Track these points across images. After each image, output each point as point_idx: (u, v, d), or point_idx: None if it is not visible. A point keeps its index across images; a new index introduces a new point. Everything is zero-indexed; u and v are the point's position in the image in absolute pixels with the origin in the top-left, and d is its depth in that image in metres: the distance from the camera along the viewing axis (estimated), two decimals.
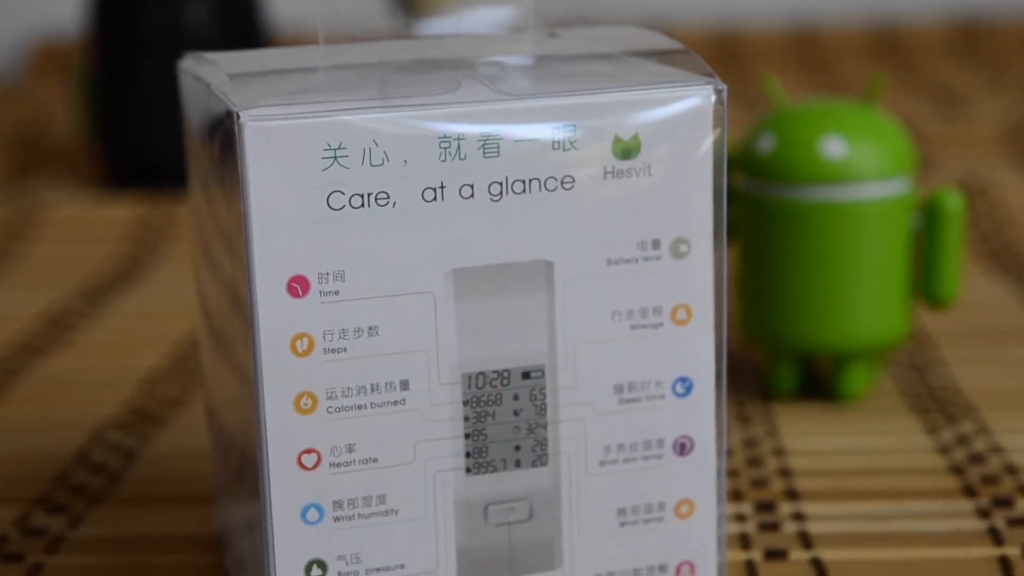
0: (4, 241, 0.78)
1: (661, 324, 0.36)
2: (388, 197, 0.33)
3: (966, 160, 0.88)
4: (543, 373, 0.35)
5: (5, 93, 1.14)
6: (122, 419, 0.54)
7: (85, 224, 0.80)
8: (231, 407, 0.37)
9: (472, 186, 0.34)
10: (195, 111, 0.38)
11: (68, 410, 0.55)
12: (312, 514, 0.34)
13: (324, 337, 0.34)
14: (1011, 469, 0.48)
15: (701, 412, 0.36)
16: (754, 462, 0.49)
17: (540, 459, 0.36)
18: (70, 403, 0.56)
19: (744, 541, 0.43)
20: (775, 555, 0.42)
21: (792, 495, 0.46)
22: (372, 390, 0.34)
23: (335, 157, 0.33)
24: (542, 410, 0.35)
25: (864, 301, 0.52)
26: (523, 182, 0.34)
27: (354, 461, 0.34)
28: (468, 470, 0.35)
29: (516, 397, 0.35)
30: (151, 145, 0.84)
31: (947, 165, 0.87)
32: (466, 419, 0.35)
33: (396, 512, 0.35)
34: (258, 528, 0.35)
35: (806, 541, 0.43)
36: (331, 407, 0.34)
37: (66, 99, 1.12)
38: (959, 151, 0.90)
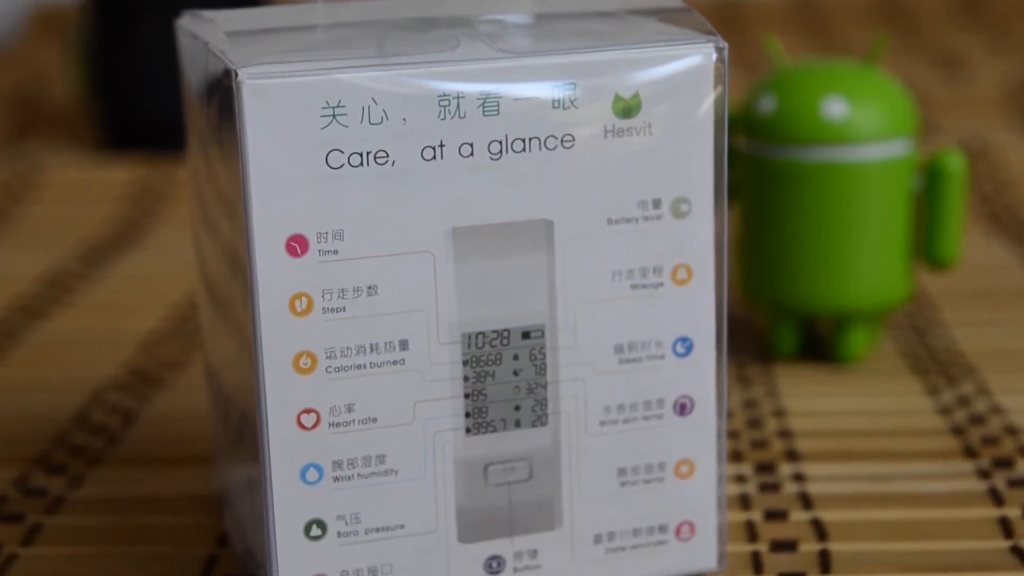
0: (3, 203, 0.78)
1: (661, 284, 0.36)
2: (387, 156, 0.33)
3: (967, 123, 0.88)
4: (543, 333, 0.35)
5: (3, 55, 1.14)
6: (121, 380, 0.54)
7: (84, 186, 0.79)
8: (230, 368, 0.37)
9: (472, 145, 0.34)
10: (193, 70, 0.38)
11: (67, 371, 0.55)
12: (311, 474, 0.34)
13: (323, 296, 0.33)
14: (1011, 430, 0.48)
15: (701, 372, 0.36)
16: (754, 423, 0.49)
17: (540, 419, 0.35)
18: (69, 364, 0.56)
19: (744, 502, 0.43)
20: (775, 516, 0.42)
21: (792, 456, 0.46)
22: (371, 350, 0.34)
23: (334, 115, 0.33)
24: (542, 370, 0.35)
25: (865, 262, 0.52)
26: (523, 141, 0.34)
27: (353, 421, 0.34)
28: (468, 430, 0.35)
29: (516, 357, 0.35)
30: (149, 106, 0.84)
31: (948, 128, 0.87)
32: (466, 379, 0.35)
33: (396, 472, 0.35)
34: (258, 488, 0.35)
35: (806, 502, 0.43)
36: (330, 367, 0.34)
37: (64, 61, 1.11)
38: (960, 114, 0.90)
